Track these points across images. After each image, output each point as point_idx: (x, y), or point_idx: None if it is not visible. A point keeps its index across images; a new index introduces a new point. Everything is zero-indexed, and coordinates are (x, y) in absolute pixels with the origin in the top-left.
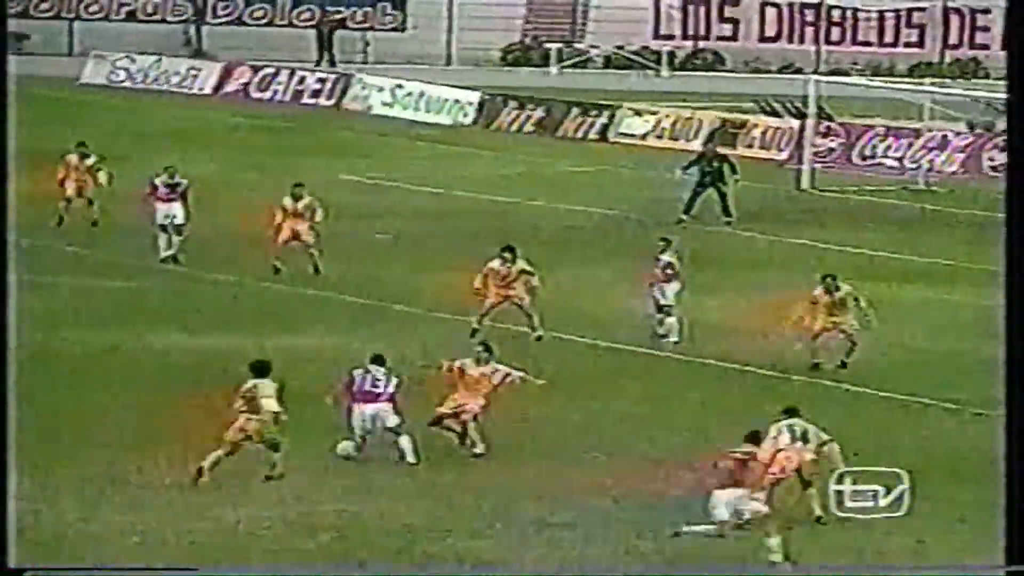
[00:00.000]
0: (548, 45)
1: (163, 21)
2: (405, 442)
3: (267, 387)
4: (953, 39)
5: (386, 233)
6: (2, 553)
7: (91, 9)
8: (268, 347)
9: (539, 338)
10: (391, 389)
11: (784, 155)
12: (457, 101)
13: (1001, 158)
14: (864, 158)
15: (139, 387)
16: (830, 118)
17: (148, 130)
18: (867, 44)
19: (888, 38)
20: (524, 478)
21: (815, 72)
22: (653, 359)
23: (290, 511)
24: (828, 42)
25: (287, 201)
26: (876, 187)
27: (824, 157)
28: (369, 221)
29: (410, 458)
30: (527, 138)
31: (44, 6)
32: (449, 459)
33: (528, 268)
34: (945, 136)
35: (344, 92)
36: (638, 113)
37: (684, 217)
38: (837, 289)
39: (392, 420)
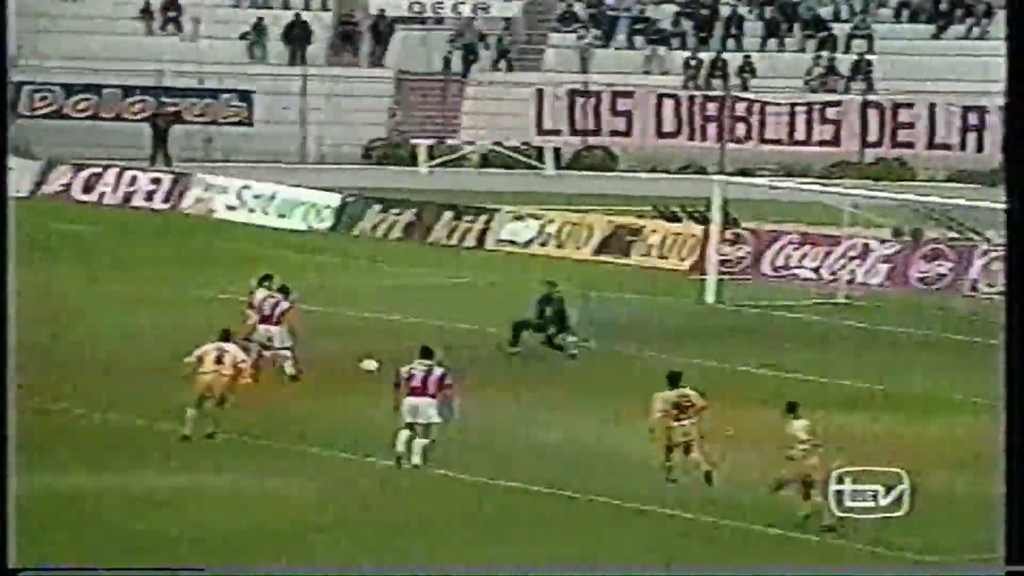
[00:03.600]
0: (416, 141)
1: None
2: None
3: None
4: (872, 136)
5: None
6: (2, 553)
7: None
8: None
9: None
10: None
11: (686, 265)
12: (314, 204)
13: (930, 268)
14: (776, 268)
15: None
16: (736, 223)
17: None
18: (777, 142)
19: (800, 135)
20: None
21: (719, 172)
22: None
23: None
24: (733, 139)
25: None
26: (790, 301)
27: (731, 267)
28: None
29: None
30: (395, 245)
31: None
32: None
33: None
34: (867, 244)
35: (183, 194)
36: (519, 217)
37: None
38: None
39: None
